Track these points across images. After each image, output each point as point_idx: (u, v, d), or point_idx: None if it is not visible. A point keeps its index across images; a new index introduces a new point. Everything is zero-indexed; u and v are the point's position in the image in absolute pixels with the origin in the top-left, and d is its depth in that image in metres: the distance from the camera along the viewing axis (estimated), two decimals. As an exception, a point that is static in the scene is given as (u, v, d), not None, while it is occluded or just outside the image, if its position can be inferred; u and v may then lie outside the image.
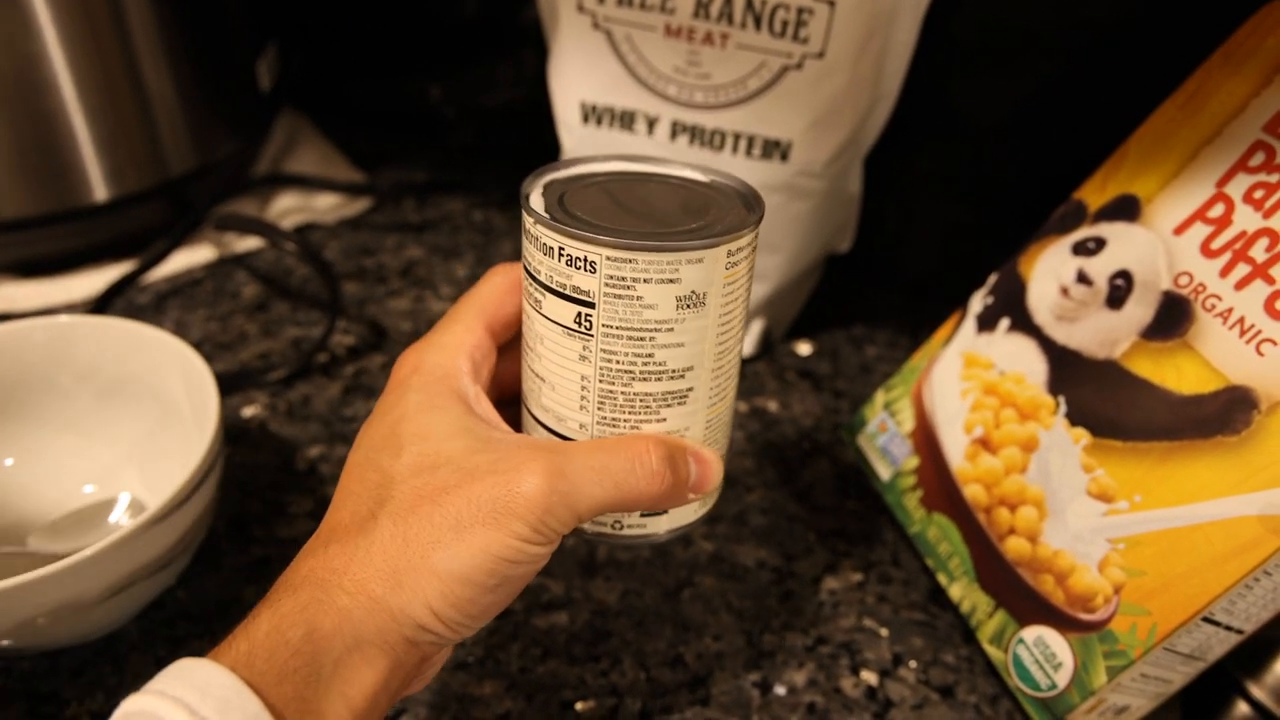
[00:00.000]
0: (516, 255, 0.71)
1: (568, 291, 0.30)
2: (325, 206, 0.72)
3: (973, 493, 0.45)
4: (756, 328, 0.61)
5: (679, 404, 0.32)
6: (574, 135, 0.55)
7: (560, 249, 0.30)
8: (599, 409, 0.32)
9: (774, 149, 0.52)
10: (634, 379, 0.31)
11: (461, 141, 0.83)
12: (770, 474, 0.53)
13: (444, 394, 0.33)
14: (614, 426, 0.32)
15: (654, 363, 0.31)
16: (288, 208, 0.70)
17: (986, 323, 0.47)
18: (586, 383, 0.32)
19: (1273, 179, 0.39)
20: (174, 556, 0.40)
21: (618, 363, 0.31)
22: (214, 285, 0.64)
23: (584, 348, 0.31)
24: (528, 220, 0.31)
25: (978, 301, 0.48)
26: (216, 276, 0.65)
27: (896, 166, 0.60)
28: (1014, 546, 0.42)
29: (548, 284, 0.31)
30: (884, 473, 0.50)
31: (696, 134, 0.53)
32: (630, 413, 0.32)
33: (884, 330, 0.67)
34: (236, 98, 0.69)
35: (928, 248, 0.69)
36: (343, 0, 0.80)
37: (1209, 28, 0.45)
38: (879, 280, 0.69)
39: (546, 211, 0.31)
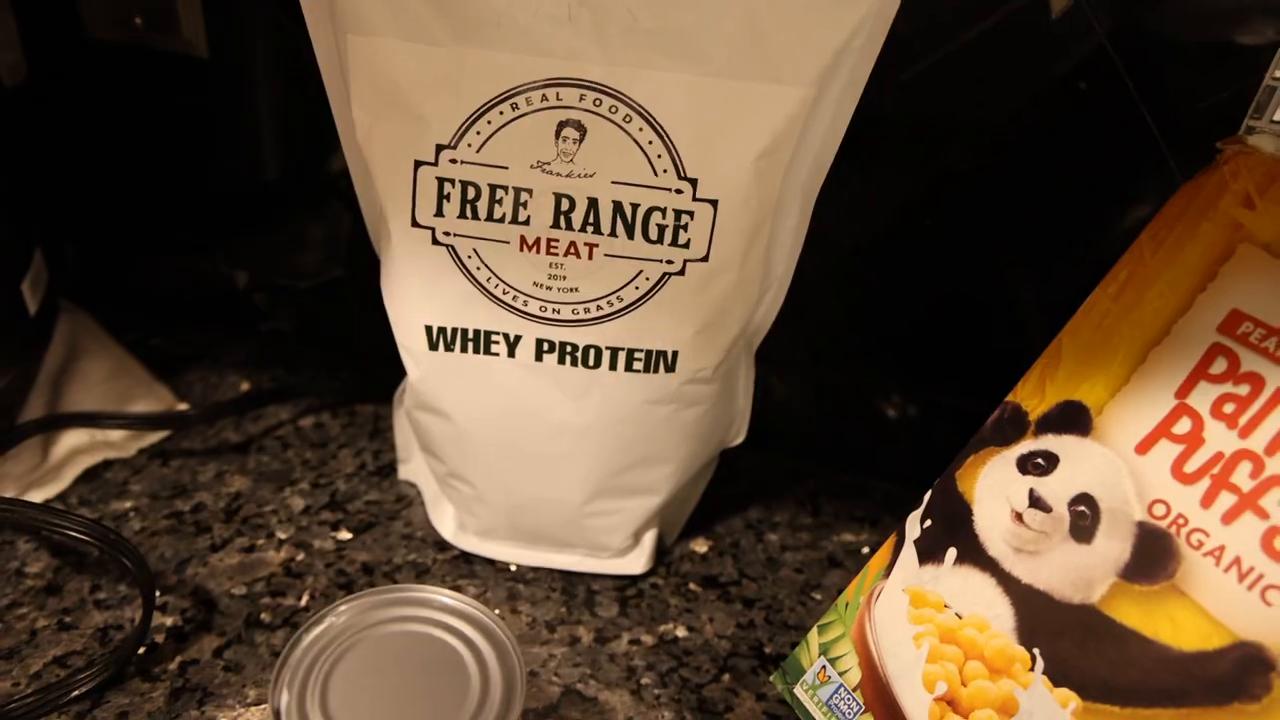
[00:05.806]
0: (359, 470, 0.62)
1: None
2: (122, 437, 0.60)
3: (951, 770, 0.38)
4: (648, 539, 0.53)
5: None
6: (421, 364, 0.46)
7: None
8: None
9: (659, 360, 0.45)
10: None
11: (278, 329, 0.73)
12: (696, 733, 0.46)
13: None
14: None
15: None
16: (76, 446, 0.59)
17: (930, 553, 0.41)
18: None
19: (1241, 390, 0.34)
20: None
21: None
22: (-12, 565, 0.52)
23: None
24: None
25: (914, 525, 0.42)
26: (-10, 551, 0.53)
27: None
28: (1014, 843, 0.36)
29: None
30: (836, 737, 0.43)
31: (567, 351, 0.45)
32: None
33: (782, 508, 0.61)
34: (2, 330, 0.57)
35: (797, 400, 0.64)
36: (117, 177, 0.70)
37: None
38: (755, 442, 0.62)
39: None
